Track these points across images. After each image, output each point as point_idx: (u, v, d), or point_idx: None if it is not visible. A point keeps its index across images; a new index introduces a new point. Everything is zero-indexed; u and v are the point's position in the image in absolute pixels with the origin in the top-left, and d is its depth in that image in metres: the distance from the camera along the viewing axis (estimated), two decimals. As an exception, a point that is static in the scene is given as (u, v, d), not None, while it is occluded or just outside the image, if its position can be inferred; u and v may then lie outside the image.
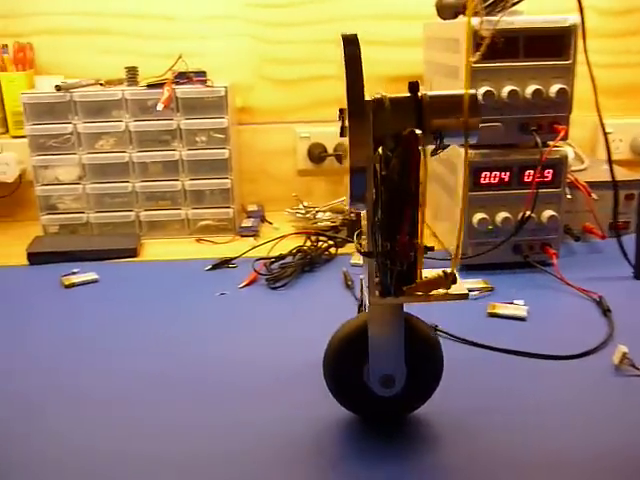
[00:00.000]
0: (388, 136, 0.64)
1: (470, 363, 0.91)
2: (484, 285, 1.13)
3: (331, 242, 1.31)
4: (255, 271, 1.18)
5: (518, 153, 1.16)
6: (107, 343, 0.99)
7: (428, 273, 0.69)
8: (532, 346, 0.93)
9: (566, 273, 1.15)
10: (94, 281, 1.20)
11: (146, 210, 1.41)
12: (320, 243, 1.29)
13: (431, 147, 0.67)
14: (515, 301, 1.07)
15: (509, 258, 1.20)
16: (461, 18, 1.23)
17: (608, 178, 1.24)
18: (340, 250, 1.31)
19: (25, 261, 1.30)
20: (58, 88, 1.33)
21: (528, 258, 1.20)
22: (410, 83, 0.66)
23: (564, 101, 1.12)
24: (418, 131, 0.63)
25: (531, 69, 1.12)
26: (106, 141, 1.39)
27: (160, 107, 1.31)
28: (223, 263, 1.25)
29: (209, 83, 1.36)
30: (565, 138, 1.14)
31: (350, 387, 0.76)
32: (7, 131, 1.54)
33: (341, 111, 0.68)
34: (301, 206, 1.44)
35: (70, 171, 1.40)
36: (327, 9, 1.52)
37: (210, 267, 1.24)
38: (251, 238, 1.40)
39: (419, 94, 0.66)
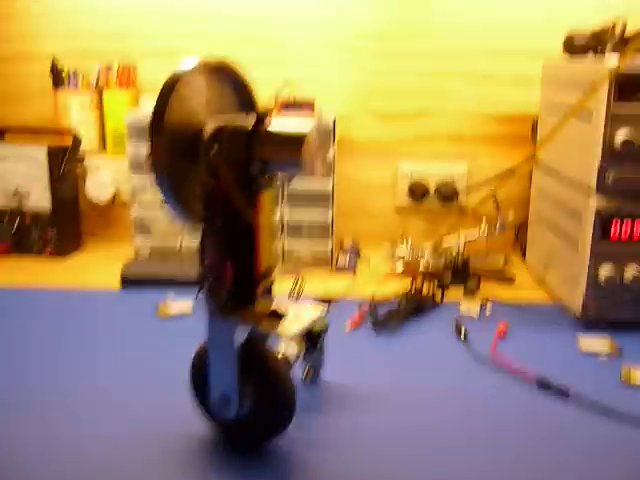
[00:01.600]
0: (226, 162, 0.69)
1: (606, 440, 0.82)
2: (612, 347, 1.03)
3: (432, 286, 1.23)
4: (360, 315, 1.12)
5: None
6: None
7: (268, 304, 0.76)
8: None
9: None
10: (189, 313, 1.15)
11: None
12: (425, 288, 1.22)
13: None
14: (648, 368, 0.97)
15: (637, 316, 1.10)
16: (591, 58, 1.16)
17: None
18: (446, 297, 1.23)
19: (117, 284, 1.26)
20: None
21: (658, 319, 1.10)
22: (258, 113, 0.69)
23: None
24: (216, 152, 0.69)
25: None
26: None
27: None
28: (323, 302, 1.18)
29: (317, 112, 1.31)
30: None
31: (204, 405, 0.79)
32: (104, 150, 1.53)
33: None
34: (402, 246, 1.36)
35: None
36: (441, 42, 1.46)
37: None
38: (350, 275, 1.33)
39: (258, 125, 0.69)
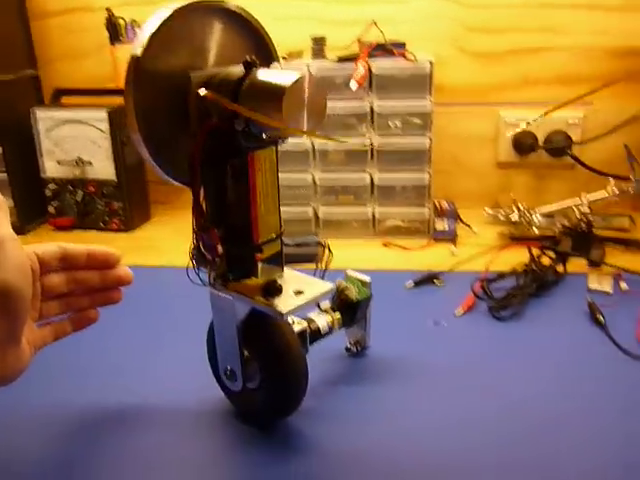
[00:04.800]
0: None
1: None
2: None
3: (552, 255, 1.05)
4: (474, 293, 0.95)
5: None
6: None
7: (274, 274, 0.67)
8: None
9: None
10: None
11: (325, 205, 1.21)
12: (544, 258, 1.04)
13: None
14: None
15: None
16: None
17: None
18: (568, 267, 1.05)
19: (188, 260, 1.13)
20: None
21: None
22: (245, 61, 0.59)
23: None
24: (204, 91, 0.58)
25: None
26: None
27: (354, 86, 1.09)
28: (428, 278, 1.03)
29: (410, 56, 1.13)
30: None
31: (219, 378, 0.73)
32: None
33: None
34: (515, 209, 1.18)
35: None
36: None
37: (412, 283, 1.02)
38: (449, 245, 1.17)
39: (248, 74, 0.59)
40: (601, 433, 0.68)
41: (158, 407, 0.76)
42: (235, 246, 0.65)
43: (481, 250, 1.09)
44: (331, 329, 0.78)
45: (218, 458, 0.69)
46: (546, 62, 1.28)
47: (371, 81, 1.13)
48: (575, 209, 1.10)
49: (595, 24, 1.26)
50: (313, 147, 1.18)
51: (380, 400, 0.76)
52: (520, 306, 0.93)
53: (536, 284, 0.97)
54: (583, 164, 1.24)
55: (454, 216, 1.26)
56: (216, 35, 0.64)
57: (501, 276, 1.00)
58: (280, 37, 1.26)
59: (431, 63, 1.11)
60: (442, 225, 1.22)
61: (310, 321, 0.77)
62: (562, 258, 1.05)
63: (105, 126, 1.25)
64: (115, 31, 1.33)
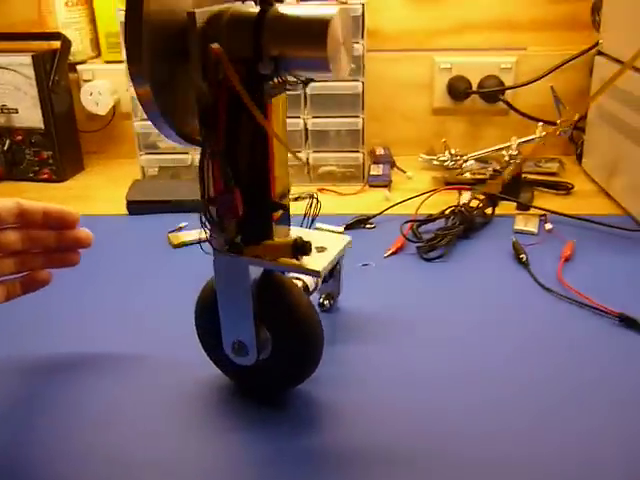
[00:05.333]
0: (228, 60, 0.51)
1: None
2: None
3: (482, 198, 1.07)
4: (403, 235, 0.97)
5: None
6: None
7: (285, 235, 0.62)
8: None
9: None
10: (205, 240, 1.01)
11: (259, 152, 1.20)
12: (474, 202, 1.06)
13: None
14: None
15: None
16: None
17: None
18: (497, 210, 1.07)
19: (124, 209, 1.12)
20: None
21: None
22: None
23: None
24: (217, 45, 0.51)
25: None
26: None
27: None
28: (359, 222, 1.04)
29: (342, -1, 1.11)
30: None
31: (215, 350, 0.67)
32: (99, 55, 1.35)
33: None
34: (447, 153, 1.19)
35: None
36: None
37: (343, 227, 1.02)
38: (383, 190, 1.17)
39: (266, 10, 0.53)
40: (524, 374, 0.70)
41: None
42: (251, 206, 0.58)
43: (414, 194, 1.10)
44: (316, 285, 0.76)
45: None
46: (482, 7, 1.28)
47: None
48: (505, 153, 1.12)
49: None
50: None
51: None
52: (447, 247, 0.95)
53: (464, 226, 0.98)
54: (515, 109, 1.26)
55: (389, 161, 1.27)
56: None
57: (431, 219, 1.01)
58: None
59: (363, 5, 1.10)
60: (377, 170, 1.23)
61: (297, 279, 0.72)
62: (491, 201, 1.07)
63: (30, 72, 1.21)
64: (38, -29, 1.27)
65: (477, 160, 1.22)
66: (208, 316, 0.65)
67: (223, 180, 0.56)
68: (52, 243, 0.65)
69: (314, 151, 1.20)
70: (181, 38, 0.52)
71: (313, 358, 0.65)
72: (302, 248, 0.59)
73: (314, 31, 0.51)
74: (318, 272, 0.59)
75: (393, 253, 0.95)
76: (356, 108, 1.16)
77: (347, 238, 0.66)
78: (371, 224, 1.04)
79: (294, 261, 0.59)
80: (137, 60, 0.51)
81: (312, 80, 0.57)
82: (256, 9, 0.53)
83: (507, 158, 1.11)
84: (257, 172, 0.58)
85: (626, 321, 0.77)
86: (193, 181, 1.18)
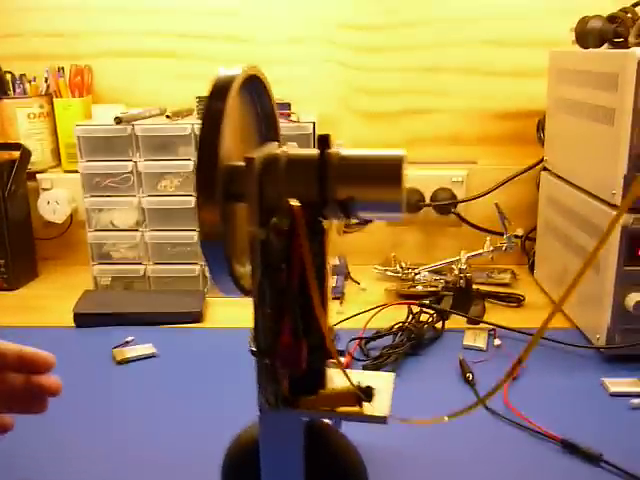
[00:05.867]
0: (282, 207, 0.50)
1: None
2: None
3: (431, 313, 1.07)
4: (349, 354, 0.96)
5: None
6: (165, 433, 0.78)
7: (341, 381, 0.56)
8: None
9: None
10: (151, 355, 0.99)
11: (213, 263, 1.20)
12: (423, 315, 1.06)
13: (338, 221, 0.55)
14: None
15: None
16: (606, 47, 1.00)
17: None
18: (448, 324, 1.07)
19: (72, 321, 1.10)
20: (118, 120, 1.14)
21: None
22: (319, 137, 0.52)
23: None
24: (295, 202, 0.49)
25: None
26: (170, 182, 1.18)
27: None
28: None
29: (294, 117, 1.15)
30: None
31: None
32: (59, 164, 1.37)
33: None
34: (398, 266, 1.20)
35: (127, 216, 1.20)
36: (430, 32, 1.30)
37: (291, 343, 1.01)
38: (336, 302, 1.17)
39: (328, 152, 0.51)
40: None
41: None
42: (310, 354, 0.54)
43: (367, 307, 1.10)
44: None
45: None
46: (433, 123, 1.33)
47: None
48: (455, 267, 1.13)
49: (481, 87, 1.32)
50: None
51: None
52: (395, 364, 0.94)
53: (412, 342, 0.98)
54: (466, 221, 1.28)
55: (344, 273, 1.28)
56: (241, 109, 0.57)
57: (379, 335, 1.01)
58: (168, 96, 1.30)
59: (314, 123, 1.13)
60: (332, 282, 1.23)
61: None
62: (441, 316, 1.07)
63: (-13, 180, 1.22)
64: (2, 85, 1.31)
65: (430, 272, 1.23)
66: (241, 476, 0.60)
67: (293, 332, 0.52)
68: (20, 388, 0.61)
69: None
70: (238, 182, 0.51)
71: None
72: (368, 394, 0.55)
73: (390, 173, 0.50)
74: (384, 418, 0.55)
75: (339, 371, 0.94)
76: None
77: (392, 376, 0.62)
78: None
79: (357, 409, 0.55)
80: (211, 204, 0.49)
81: (371, 221, 0.56)
82: (314, 152, 0.52)
83: (457, 272, 1.12)
84: (310, 318, 0.53)
85: (568, 447, 0.76)
86: (145, 293, 1.18)
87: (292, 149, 0.54)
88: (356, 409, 0.55)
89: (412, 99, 1.33)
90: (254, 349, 0.55)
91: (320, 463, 0.58)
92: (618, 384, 0.89)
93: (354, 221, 0.54)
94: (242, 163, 0.51)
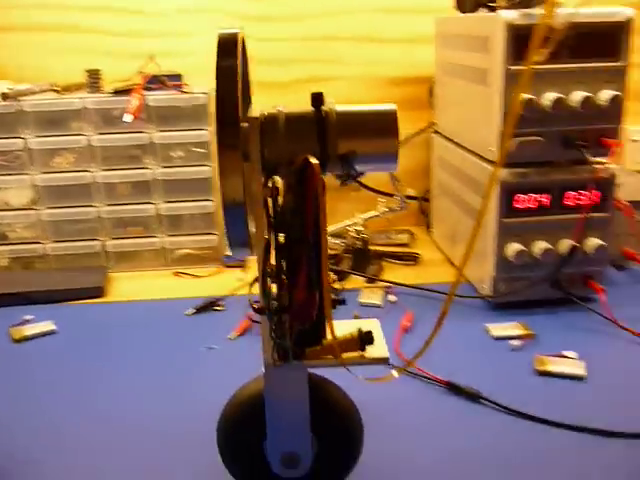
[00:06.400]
0: (283, 163, 0.51)
1: (518, 438, 0.72)
2: (524, 331, 0.94)
3: (334, 275, 1.11)
4: (248, 317, 0.98)
5: (559, 172, 0.98)
6: (66, 409, 0.79)
7: (341, 329, 0.57)
8: (596, 417, 0.75)
9: (614, 311, 0.98)
10: (51, 332, 0.99)
11: (114, 239, 1.20)
12: (322, 277, 1.09)
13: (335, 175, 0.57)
14: (565, 352, 0.88)
15: (547, 294, 1.02)
16: (483, 11, 1.05)
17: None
18: (348, 284, 1.11)
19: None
20: (5, 96, 1.11)
21: (570, 295, 1.02)
22: (313, 95, 0.53)
23: (616, 110, 0.94)
24: (314, 160, 0.50)
25: (578, 72, 0.93)
26: (64, 158, 1.17)
27: (128, 118, 1.10)
28: (208, 305, 1.05)
29: (186, 88, 1.15)
30: (617, 154, 0.96)
31: (249, 467, 0.62)
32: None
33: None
34: (297, 232, 1.23)
35: (21, 194, 1.18)
36: (320, 1, 1.31)
37: (192, 311, 1.03)
38: (238, 270, 1.19)
39: (324, 109, 0.53)
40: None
41: None
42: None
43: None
44: None
45: None
46: (329, 90, 1.34)
47: (150, 113, 1.14)
48: (350, 229, 1.17)
49: (374, 55, 1.35)
50: (95, 181, 1.17)
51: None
52: (292, 325, 0.97)
53: (309, 303, 1.01)
54: (362, 184, 1.32)
55: (247, 241, 1.29)
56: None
57: (278, 298, 1.04)
58: (57, 71, 1.27)
59: (206, 94, 1.14)
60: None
61: None
62: (340, 276, 1.11)
63: None
64: None
65: (333, 236, 1.27)
66: (242, 431, 0.61)
67: (307, 286, 0.53)
68: None
69: (169, 235, 1.21)
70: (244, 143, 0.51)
71: (358, 449, 0.63)
72: (369, 338, 0.57)
73: (387, 125, 0.53)
74: (387, 358, 0.58)
75: (239, 335, 0.96)
76: (206, 191, 1.19)
77: (376, 321, 0.64)
78: (220, 306, 1.05)
79: (360, 354, 0.57)
80: (236, 167, 0.50)
81: (363, 174, 0.56)
82: (309, 109, 0.53)
83: (353, 233, 1.16)
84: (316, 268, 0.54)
85: (453, 388, 0.82)
86: (46, 272, 1.16)
87: (287, 108, 0.54)
88: (358, 354, 0.57)
89: (307, 68, 1.35)
90: (261, 307, 0.55)
91: (320, 410, 0.60)
92: (500, 329, 0.96)
93: (351, 174, 0.56)
94: (245, 124, 0.51)
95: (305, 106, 0.53)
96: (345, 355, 0.56)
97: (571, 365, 0.85)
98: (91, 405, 0.81)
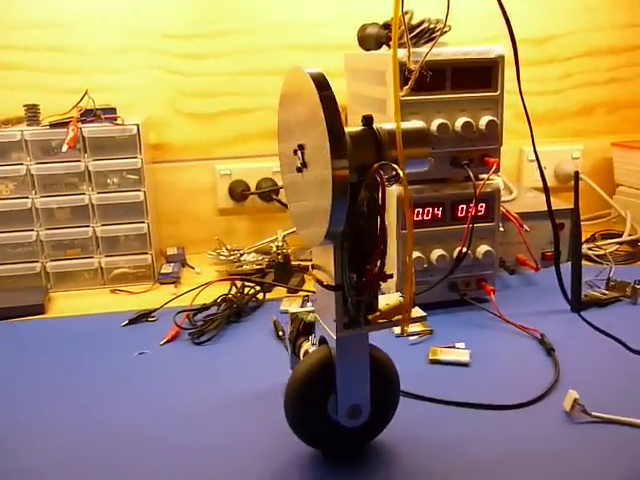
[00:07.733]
0: (351, 169, 0.64)
1: (413, 417, 0.84)
2: (423, 328, 1.07)
3: (258, 287, 1.22)
4: (177, 325, 1.08)
5: (450, 187, 1.12)
6: (8, 418, 0.87)
7: (385, 300, 0.72)
8: (477, 395, 0.87)
9: (504, 309, 1.11)
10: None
11: (53, 260, 1.29)
12: (247, 289, 1.20)
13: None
14: (456, 344, 1.01)
15: (445, 296, 1.15)
16: (385, 49, 1.19)
17: (537, 208, 1.23)
18: (268, 295, 1.23)
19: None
20: (-52, 130, 1.20)
21: (465, 296, 1.15)
22: (364, 117, 0.68)
23: (494, 133, 1.09)
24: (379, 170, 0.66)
25: (460, 101, 1.08)
26: (5, 186, 1.26)
27: (65, 148, 1.19)
28: (141, 317, 1.14)
29: (119, 120, 1.26)
30: (497, 171, 1.10)
31: (314, 421, 0.75)
32: None
33: (300, 147, 0.67)
34: (224, 249, 1.34)
35: (-35, 221, 1.26)
36: (243, 40, 1.44)
37: (126, 322, 1.13)
38: (172, 286, 1.30)
39: (375, 127, 0.68)
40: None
41: None
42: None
43: (198, 287, 1.23)
44: None
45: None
46: (254, 121, 1.48)
47: (85, 144, 1.24)
48: (272, 245, 1.29)
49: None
50: (35, 207, 1.26)
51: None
52: (217, 331, 1.08)
53: (230, 311, 1.12)
54: (286, 205, 1.44)
55: (180, 260, 1.40)
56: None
57: (205, 307, 1.14)
58: None
59: (137, 126, 1.25)
60: (168, 269, 1.36)
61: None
62: (263, 288, 1.22)
63: None
64: None
65: (258, 253, 1.38)
66: (309, 397, 0.74)
67: (381, 265, 0.67)
68: None
69: (106, 255, 1.30)
70: None
71: (397, 399, 0.78)
72: (413, 303, 0.71)
73: (422, 137, 0.70)
74: (425, 316, 0.73)
75: (168, 341, 1.06)
76: (140, 214, 1.29)
77: (398, 294, 0.75)
78: (153, 317, 1.15)
79: (406, 315, 0.71)
80: (345, 171, 0.61)
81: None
82: (362, 129, 0.67)
83: (275, 249, 1.27)
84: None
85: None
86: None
87: (350, 128, 0.68)
88: (406, 315, 0.71)
89: (234, 100, 1.47)
90: (332, 284, 0.68)
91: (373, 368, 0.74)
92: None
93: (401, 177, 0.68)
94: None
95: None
96: (396, 318, 0.71)
97: (458, 354, 0.98)
98: (22, 417, 0.89)
